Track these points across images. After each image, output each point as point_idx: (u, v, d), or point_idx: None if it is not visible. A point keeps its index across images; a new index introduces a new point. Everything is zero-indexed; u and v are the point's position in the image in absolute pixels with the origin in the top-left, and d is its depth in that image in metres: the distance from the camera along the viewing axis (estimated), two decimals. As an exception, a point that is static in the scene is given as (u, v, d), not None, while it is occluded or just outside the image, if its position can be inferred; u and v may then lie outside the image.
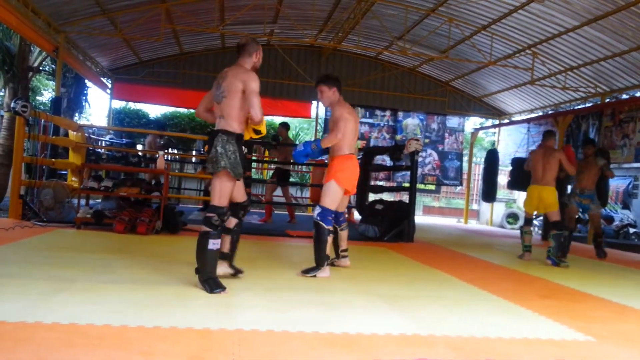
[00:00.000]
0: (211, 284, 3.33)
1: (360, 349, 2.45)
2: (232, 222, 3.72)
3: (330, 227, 4.29)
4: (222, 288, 3.34)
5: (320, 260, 4.21)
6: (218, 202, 3.45)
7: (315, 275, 4.17)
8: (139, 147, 13.08)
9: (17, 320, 2.45)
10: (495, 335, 2.86)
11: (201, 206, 10.65)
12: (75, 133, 7.79)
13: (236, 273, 3.77)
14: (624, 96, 10.31)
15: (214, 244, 3.37)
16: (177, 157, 13.02)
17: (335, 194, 4.27)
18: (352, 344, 2.51)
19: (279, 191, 9.76)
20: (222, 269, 3.67)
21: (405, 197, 13.58)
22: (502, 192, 15.57)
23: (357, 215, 9.23)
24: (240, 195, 3.76)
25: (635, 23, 7.96)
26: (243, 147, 3.59)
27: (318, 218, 4.23)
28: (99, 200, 9.28)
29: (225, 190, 3.47)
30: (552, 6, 8.38)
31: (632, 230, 11.65)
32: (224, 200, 3.46)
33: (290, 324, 2.76)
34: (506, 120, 14.19)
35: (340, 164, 4.29)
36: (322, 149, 4.25)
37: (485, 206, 14.52)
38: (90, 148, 8.20)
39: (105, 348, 2.19)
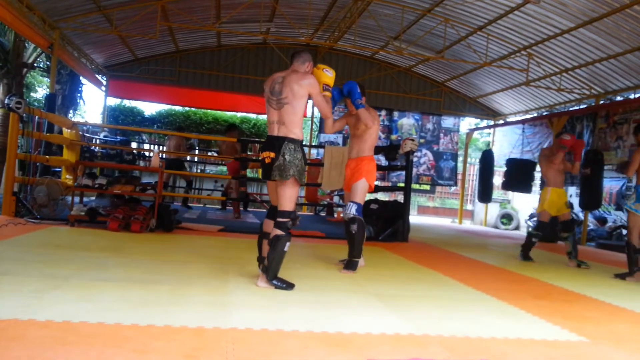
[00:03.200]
0: (282, 281, 3.62)
1: (354, 348, 2.45)
2: (271, 225, 3.76)
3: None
4: (291, 286, 3.60)
5: (360, 252, 4.61)
6: (289, 207, 3.65)
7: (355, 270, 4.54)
8: (134, 144, 13.07)
9: (10, 318, 2.44)
10: (488, 335, 2.87)
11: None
12: (69, 130, 7.75)
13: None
14: (618, 98, 10.36)
15: (287, 246, 3.63)
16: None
17: (365, 191, 4.70)
18: (346, 343, 2.51)
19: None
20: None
21: (400, 197, 13.64)
22: (497, 192, 15.63)
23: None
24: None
25: (630, 25, 8.00)
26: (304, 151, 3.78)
27: (357, 214, 4.57)
28: (93, 198, 9.25)
29: (294, 195, 3.69)
30: (548, 8, 8.40)
31: (625, 231, 11.70)
32: (293, 205, 3.68)
33: (285, 323, 2.76)
34: (501, 121, 14.24)
35: (368, 164, 4.70)
36: (356, 99, 4.41)
37: (479, 206, 14.57)
38: (85, 145, 8.16)
39: (99, 346, 2.19)
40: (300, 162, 3.62)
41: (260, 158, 3.78)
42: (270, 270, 3.60)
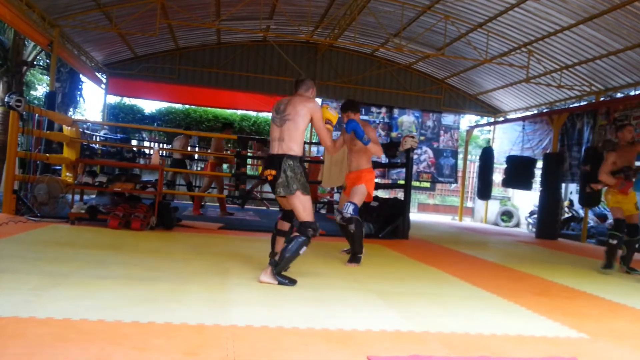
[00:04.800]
0: (285, 277, 3.70)
1: (354, 345, 2.45)
2: (286, 225, 4.01)
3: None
4: (293, 282, 3.67)
5: (361, 247, 4.99)
6: (307, 218, 3.78)
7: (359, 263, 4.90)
8: (134, 142, 13.08)
9: (11, 315, 2.45)
10: (489, 332, 2.87)
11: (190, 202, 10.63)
12: (69, 128, 7.75)
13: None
14: (619, 95, 10.35)
15: (303, 250, 3.72)
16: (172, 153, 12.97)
17: (364, 196, 5.07)
18: (346, 340, 2.52)
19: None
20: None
21: (400, 194, 13.63)
22: (497, 189, 15.62)
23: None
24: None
25: (630, 22, 7.98)
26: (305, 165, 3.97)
27: (354, 214, 4.90)
28: (93, 196, 9.26)
29: (308, 205, 3.80)
30: (548, 4, 8.39)
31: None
32: (310, 215, 3.79)
33: (285, 319, 2.76)
34: (501, 118, 14.22)
35: (369, 174, 5.14)
36: (362, 137, 4.67)
37: (479, 204, 14.56)
38: (85, 143, 8.16)
39: (99, 343, 2.19)
40: (301, 177, 3.77)
41: (263, 176, 3.95)
42: (280, 265, 3.68)
